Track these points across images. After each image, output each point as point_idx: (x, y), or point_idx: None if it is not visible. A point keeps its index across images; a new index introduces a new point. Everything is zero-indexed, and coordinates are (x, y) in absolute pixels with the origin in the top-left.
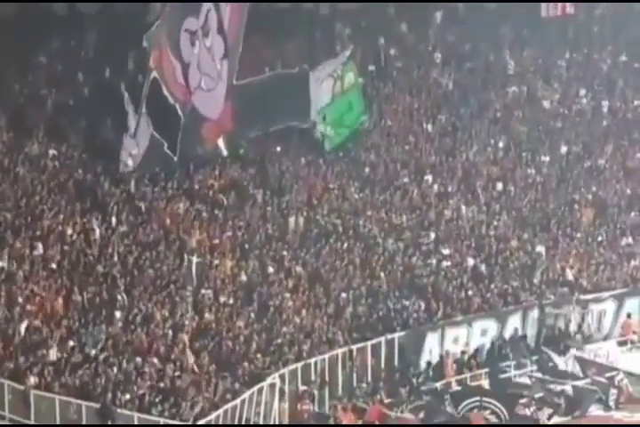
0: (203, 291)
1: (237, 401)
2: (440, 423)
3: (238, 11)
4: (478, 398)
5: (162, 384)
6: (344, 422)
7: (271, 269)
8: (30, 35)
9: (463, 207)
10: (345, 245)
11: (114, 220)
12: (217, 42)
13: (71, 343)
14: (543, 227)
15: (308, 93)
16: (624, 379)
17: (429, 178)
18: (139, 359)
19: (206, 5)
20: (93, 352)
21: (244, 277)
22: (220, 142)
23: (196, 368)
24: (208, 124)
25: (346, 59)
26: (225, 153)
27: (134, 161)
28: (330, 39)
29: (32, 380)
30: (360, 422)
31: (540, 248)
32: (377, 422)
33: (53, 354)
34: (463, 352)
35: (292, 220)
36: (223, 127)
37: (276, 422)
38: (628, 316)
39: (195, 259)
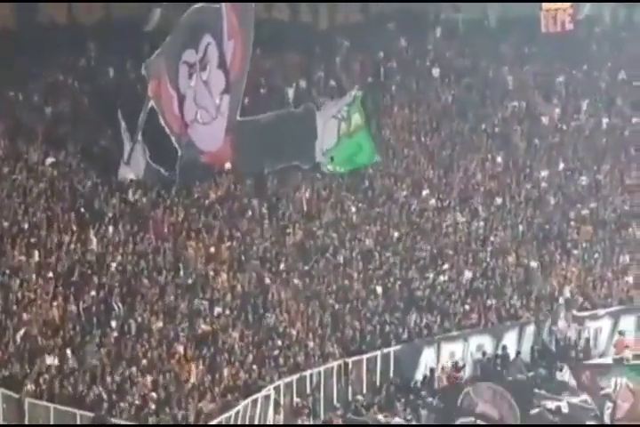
0: (198, 301)
1: (232, 412)
2: (440, 424)
3: (242, 46)
4: (473, 418)
5: (157, 394)
6: None
7: (268, 281)
8: (30, 44)
9: (460, 222)
10: (342, 258)
11: (111, 228)
12: (217, 76)
13: (67, 352)
14: (540, 243)
15: (315, 134)
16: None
17: (427, 192)
18: (134, 369)
19: (206, 39)
20: (89, 361)
21: (240, 289)
22: (227, 166)
23: (191, 379)
24: (207, 156)
25: (352, 99)
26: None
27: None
28: (329, 53)
29: (27, 388)
30: None
31: (537, 264)
32: None
33: (49, 363)
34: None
35: (289, 232)
36: (222, 160)
37: None
38: (620, 333)
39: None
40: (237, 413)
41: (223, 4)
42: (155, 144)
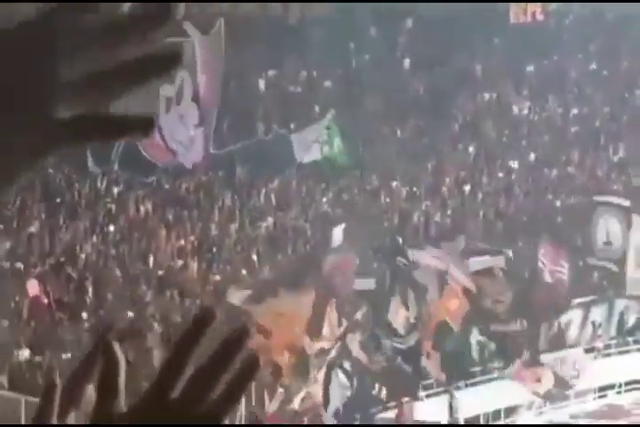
0: (169, 293)
1: None
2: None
3: (214, 80)
4: None
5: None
6: None
7: (239, 272)
8: None
9: (431, 212)
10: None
11: (81, 219)
12: (190, 109)
13: (39, 344)
14: (511, 234)
15: (293, 157)
16: None
17: (398, 182)
18: None
19: (181, 73)
20: (60, 353)
21: (210, 280)
22: None
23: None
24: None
25: (328, 122)
26: None
27: None
28: (299, 45)
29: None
30: None
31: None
32: None
33: (21, 355)
34: None
35: (260, 223)
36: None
37: None
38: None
39: None
40: None
41: (195, 39)
42: (133, 171)
